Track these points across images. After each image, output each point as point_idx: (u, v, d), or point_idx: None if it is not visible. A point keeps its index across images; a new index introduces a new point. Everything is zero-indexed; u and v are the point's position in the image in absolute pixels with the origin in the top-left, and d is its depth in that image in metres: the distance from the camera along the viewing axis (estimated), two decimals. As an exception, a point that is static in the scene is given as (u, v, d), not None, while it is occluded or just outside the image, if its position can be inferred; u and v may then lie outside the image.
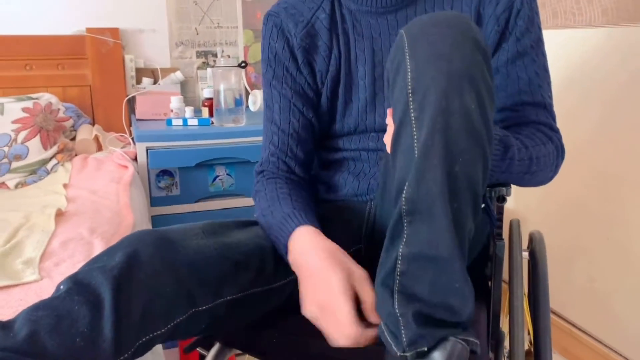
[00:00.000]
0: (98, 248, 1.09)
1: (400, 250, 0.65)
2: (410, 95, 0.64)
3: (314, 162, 1.06)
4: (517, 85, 0.89)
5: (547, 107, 0.91)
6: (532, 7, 0.90)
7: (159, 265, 0.67)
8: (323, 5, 0.94)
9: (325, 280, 0.72)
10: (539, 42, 0.91)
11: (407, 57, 0.66)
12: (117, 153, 1.71)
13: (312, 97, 0.97)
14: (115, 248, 0.69)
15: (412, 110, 0.64)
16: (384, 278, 0.67)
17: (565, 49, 1.67)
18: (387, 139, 0.74)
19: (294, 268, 0.79)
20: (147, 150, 1.67)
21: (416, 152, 0.64)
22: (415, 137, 0.64)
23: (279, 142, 0.97)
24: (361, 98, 0.94)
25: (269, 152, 0.98)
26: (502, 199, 0.88)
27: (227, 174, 1.76)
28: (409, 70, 0.66)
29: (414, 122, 0.64)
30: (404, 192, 0.65)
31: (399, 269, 0.65)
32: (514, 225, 1.09)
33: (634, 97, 1.46)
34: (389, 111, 0.72)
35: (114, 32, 2.01)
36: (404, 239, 0.65)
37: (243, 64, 1.81)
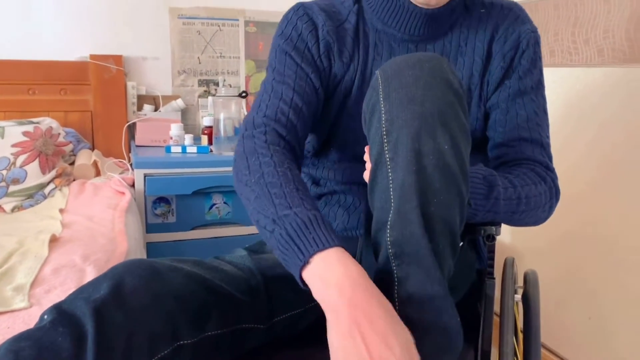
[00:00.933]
0: (90, 275, 1.08)
1: (396, 293, 0.65)
2: (384, 136, 0.66)
3: None
4: (515, 121, 0.91)
5: (544, 146, 0.92)
6: (536, 50, 0.93)
7: (144, 298, 0.67)
8: (349, 18, 0.94)
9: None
10: (539, 85, 0.94)
11: (381, 98, 0.68)
12: (115, 179, 1.72)
13: (325, 87, 0.92)
14: (102, 278, 0.68)
15: (386, 152, 0.66)
16: None
17: (562, 87, 1.69)
18: (367, 175, 0.75)
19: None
20: (144, 176, 1.67)
21: (392, 193, 0.65)
22: (391, 178, 0.66)
23: (291, 103, 0.87)
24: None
25: (277, 107, 0.87)
26: (491, 238, 0.88)
27: (224, 202, 1.77)
28: (382, 112, 0.68)
29: (388, 163, 0.66)
30: (388, 235, 0.66)
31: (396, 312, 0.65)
32: (508, 265, 1.08)
33: (630, 136, 1.47)
34: (366, 148, 0.73)
35: (117, 59, 2.04)
36: (396, 283, 0.65)
37: (244, 94, 1.83)
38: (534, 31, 0.94)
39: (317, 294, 0.63)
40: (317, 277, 0.63)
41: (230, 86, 2.25)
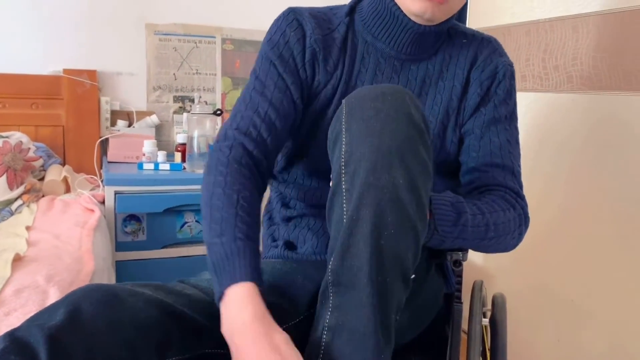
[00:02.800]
0: (53, 297, 1.06)
1: (327, 320, 0.67)
2: (343, 167, 0.68)
3: (274, 205, 1.04)
4: (488, 147, 0.93)
5: (515, 174, 0.94)
6: (512, 83, 0.97)
7: (101, 325, 0.65)
8: (339, 28, 0.94)
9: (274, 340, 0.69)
10: (513, 115, 0.97)
11: (344, 129, 0.70)
12: (85, 196, 1.69)
13: (305, 97, 0.92)
14: (59, 304, 0.67)
15: (343, 183, 0.68)
16: (311, 347, 0.69)
17: (533, 111, 1.71)
18: None
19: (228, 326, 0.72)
20: (115, 194, 1.65)
21: (344, 224, 0.67)
22: (345, 209, 0.67)
23: (265, 116, 0.88)
24: None
25: (250, 119, 0.87)
26: (458, 264, 0.89)
27: (196, 221, 1.75)
28: (343, 143, 0.69)
29: (344, 194, 0.67)
30: (330, 263, 0.67)
31: (324, 340, 0.67)
32: (476, 288, 1.09)
33: (597, 161, 1.50)
34: (332, 176, 0.73)
35: (92, 74, 2.02)
36: (329, 310, 0.67)
37: (218, 112, 1.83)
38: (510, 65, 0.97)
39: (221, 328, 0.70)
40: (223, 311, 0.71)
41: (206, 103, 2.24)
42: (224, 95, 2.27)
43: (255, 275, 0.71)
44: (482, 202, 0.87)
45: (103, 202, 1.70)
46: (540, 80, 1.69)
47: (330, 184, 0.73)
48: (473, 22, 1.99)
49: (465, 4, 2.05)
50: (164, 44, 2.15)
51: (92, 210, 1.59)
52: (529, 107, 1.72)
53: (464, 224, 0.80)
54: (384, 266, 0.66)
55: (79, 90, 2.00)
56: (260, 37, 2.23)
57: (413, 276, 0.72)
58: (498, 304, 1.10)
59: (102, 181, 1.92)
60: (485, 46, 0.97)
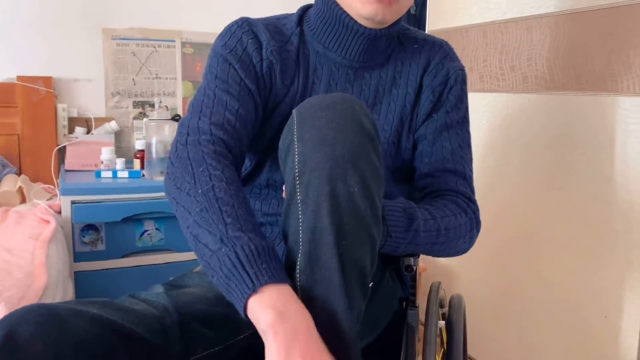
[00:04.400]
0: (0, 315, 1.03)
1: None
2: (297, 178, 0.66)
3: None
4: (441, 153, 0.94)
5: (466, 178, 0.95)
6: (463, 88, 0.98)
7: (39, 348, 0.63)
8: (291, 39, 0.93)
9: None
10: (464, 120, 0.98)
11: (295, 139, 0.69)
12: (41, 206, 1.65)
13: (264, 106, 0.90)
14: None
15: (298, 194, 0.66)
16: None
17: (491, 111, 1.73)
18: None
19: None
20: (71, 203, 1.61)
21: (301, 236, 0.65)
22: (301, 220, 0.66)
23: (237, 113, 0.83)
24: None
25: (222, 117, 0.82)
26: (409, 269, 0.89)
27: (156, 229, 1.72)
28: (296, 153, 0.68)
29: (300, 205, 0.66)
30: (298, 280, 0.66)
31: None
32: (433, 290, 1.09)
33: (551, 160, 1.52)
34: (284, 187, 0.72)
35: (47, 80, 1.97)
36: None
37: (177, 117, 1.80)
38: (461, 69, 0.98)
39: (266, 325, 0.60)
40: (270, 308, 0.61)
41: (167, 108, 2.20)
42: (185, 100, 2.24)
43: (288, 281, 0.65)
44: (433, 207, 0.88)
45: (60, 212, 1.66)
46: (497, 81, 1.71)
47: (284, 194, 0.73)
48: (432, 23, 2.01)
49: (425, 4, 2.07)
50: (122, 48, 2.11)
51: (48, 222, 1.56)
52: (487, 107, 1.74)
53: (416, 229, 0.81)
54: (345, 275, 0.65)
55: (34, 98, 1.95)
56: (221, 41, 2.20)
57: (371, 284, 0.71)
58: (454, 305, 1.11)
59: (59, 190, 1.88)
60: (436, 51, 0.98)
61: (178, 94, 2.23)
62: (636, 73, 1.28)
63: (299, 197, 0.67)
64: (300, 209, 0.66)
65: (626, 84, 1.30)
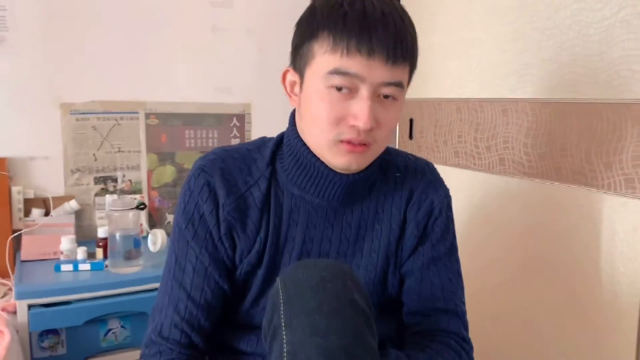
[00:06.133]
0: None
1: None
2: None
3: None
4: (430, 290, 0.90)
5: (459, 315, 0.91)
6: (449, 215, 0.95)
7: None
8: (259, 182, 0.88)
9: None
10: (452, 249, 0.94)
11: (283, 323, 0.66)
12: (-6, 310, 1.53)
13: (230, 268, 0.89)
14: None
15: None
16: None
17: (468, 188, 1.69)
18: None
19: None
20: (28, 307, 1.49)
21: None
22: None
23: (185, 313, 0.86)
24: None
25: (171, 321, 0.87)
26: None
27: (122, 326, 1.62)
28: (285, 341, 0.64)
29: None
30: None
31: None
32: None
33: (531, 247, 1.48)
34: None
35: (1, 162, 1.85)
36: None
37: (142, 206, 1.71)
38: (445, 196, 0.95)
39: None
40: None
41: (131, 182, 2.11)
42: (149, 172, 2.14)
43: None
44: (425, 353, 0.84)
45: (15, 312, 1.53)
46: (474, 159, 1.68)
47: None
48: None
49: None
50: (81, 123, 2.01)
51: (2, 332, 1.43)
52: (465, 183, 1.70)
53: None
54: None
55: (-14, 182, 1.82)
56: (187, 110, 2.12)
57: None
58: None
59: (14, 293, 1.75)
60: (419, 180, 0.94)
61: (142, 167, 2.13)
62: (616, 172, 1.25)
63: None
64: None
65: (607, 182, 1.27)
